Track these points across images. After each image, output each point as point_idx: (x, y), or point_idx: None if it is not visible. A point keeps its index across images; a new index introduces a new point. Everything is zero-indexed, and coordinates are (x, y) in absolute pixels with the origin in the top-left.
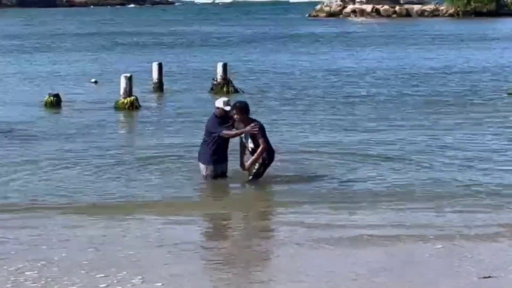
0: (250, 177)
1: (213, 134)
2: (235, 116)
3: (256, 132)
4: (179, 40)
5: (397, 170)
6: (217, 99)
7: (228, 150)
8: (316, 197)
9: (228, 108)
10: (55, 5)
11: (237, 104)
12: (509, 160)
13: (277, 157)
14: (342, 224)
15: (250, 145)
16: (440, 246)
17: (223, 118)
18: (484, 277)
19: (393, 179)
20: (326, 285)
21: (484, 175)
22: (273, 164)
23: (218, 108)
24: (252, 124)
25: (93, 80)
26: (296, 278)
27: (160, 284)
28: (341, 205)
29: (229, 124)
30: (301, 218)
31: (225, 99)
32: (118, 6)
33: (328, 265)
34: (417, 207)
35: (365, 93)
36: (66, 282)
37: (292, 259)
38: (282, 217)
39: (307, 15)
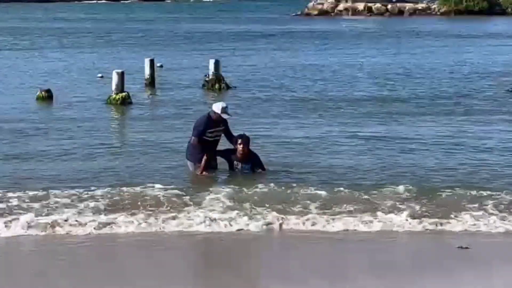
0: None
1: (193, 131)
2: (241, 146)
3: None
4: (173, 36)
5: None
6: (215, 102)
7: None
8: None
9: (225, 116)
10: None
11: (245, 137)
12: None
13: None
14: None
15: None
16: None
17: (215, 122)
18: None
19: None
20: None
21: None
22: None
23: (215, 112)
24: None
25: (99, 75)
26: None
27: None
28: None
29: (221, 128)
30: None
31: (224, 105)
32: (112, 2)
33: None
34: None
35: (366, 93)
36: None
37: None
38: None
39: (298, 13)
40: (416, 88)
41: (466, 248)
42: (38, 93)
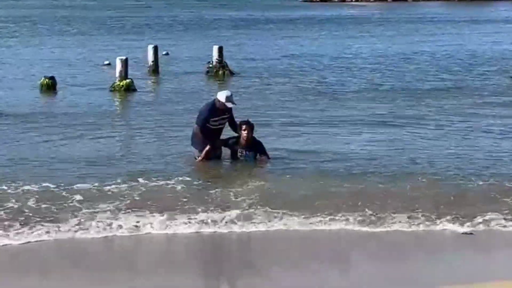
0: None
1: (197, 119)
2: (245, 132)
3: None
4: (175, 23)
5: None
6: (221, 90)
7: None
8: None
9: (230, 105)
10: None
11: (251, 123)
12: None
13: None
14: None
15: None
16: None
17: (220, 110)
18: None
19: None
20: None
21: None
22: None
23: (219, 101)
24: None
25: (106, 62)
26: None
27: None
28: None
29: (225, 116)
30: None
31: (228, 93)
32: None
33: None
34: None
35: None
36: None
37: None
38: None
39: None
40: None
41: (471, 233)
42: (41, 80)
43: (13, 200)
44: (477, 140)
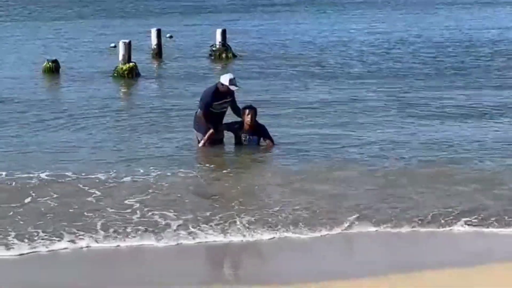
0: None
1: (199, 103)
2: (248, 116)
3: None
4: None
5: None
6: (222, 74)
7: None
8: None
9: (234, 88)
10: None
11: (252, 107)
12: None
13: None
14: None
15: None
16: None
17: (223, 93)
18: None
19: None
20: None
21: None
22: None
23: (222, 84)
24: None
25: (112, 44)
26: None
27: None
28: None
29: (228, 99)
30: None
31: (231, 76)
32: None
33: None
34: None
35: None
36: None
37: None
38: None
39: None
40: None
41: None
42: (45, 63)
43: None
44: None
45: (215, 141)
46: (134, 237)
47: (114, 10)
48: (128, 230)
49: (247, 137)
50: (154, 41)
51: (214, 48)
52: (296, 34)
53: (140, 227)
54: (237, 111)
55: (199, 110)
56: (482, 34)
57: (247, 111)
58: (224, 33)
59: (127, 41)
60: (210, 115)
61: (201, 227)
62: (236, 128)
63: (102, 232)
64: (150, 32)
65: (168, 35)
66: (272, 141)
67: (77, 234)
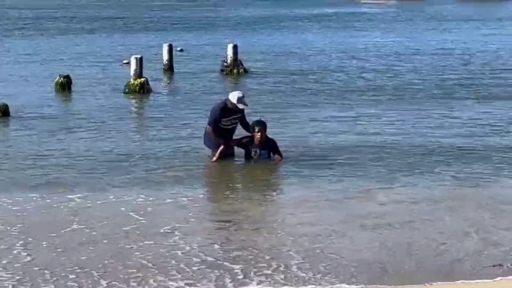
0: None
1: (208, 119)
2: (258, 134)
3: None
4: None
5: None
6: (231, 91)
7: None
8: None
9: (241, 106)
10: None
11: (262, 123)
12: None
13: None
14: None
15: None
16: None
17: (232, 110)
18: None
19: None
20: None
21: None
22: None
23: (231, 102)
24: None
25: (125, 61)
26: None
27: None
28: None
29: (237, 116)
30: None
31: (240, 95)
32: None
33: None
34: None
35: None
36: None
37: None
38: None
39: None
40: None
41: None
42: (56, 79)
43: None
44: None
45: (226, 155)
46: None
47: (124, 25)
48: None
49: (257, 151)
50: (165, 56)
51: (225, 63)
52: (308, 49)
53: None
54: (247, 127)
55: (207, 126)
56: None
57: (257, 128)
58: (235, 48)
59: (138, 56)
60: (220, 130)
61: None
62: (246, 142)
63: None
64: (161, 46)
65: (178, 48)
66: (281, 155)
67: None
